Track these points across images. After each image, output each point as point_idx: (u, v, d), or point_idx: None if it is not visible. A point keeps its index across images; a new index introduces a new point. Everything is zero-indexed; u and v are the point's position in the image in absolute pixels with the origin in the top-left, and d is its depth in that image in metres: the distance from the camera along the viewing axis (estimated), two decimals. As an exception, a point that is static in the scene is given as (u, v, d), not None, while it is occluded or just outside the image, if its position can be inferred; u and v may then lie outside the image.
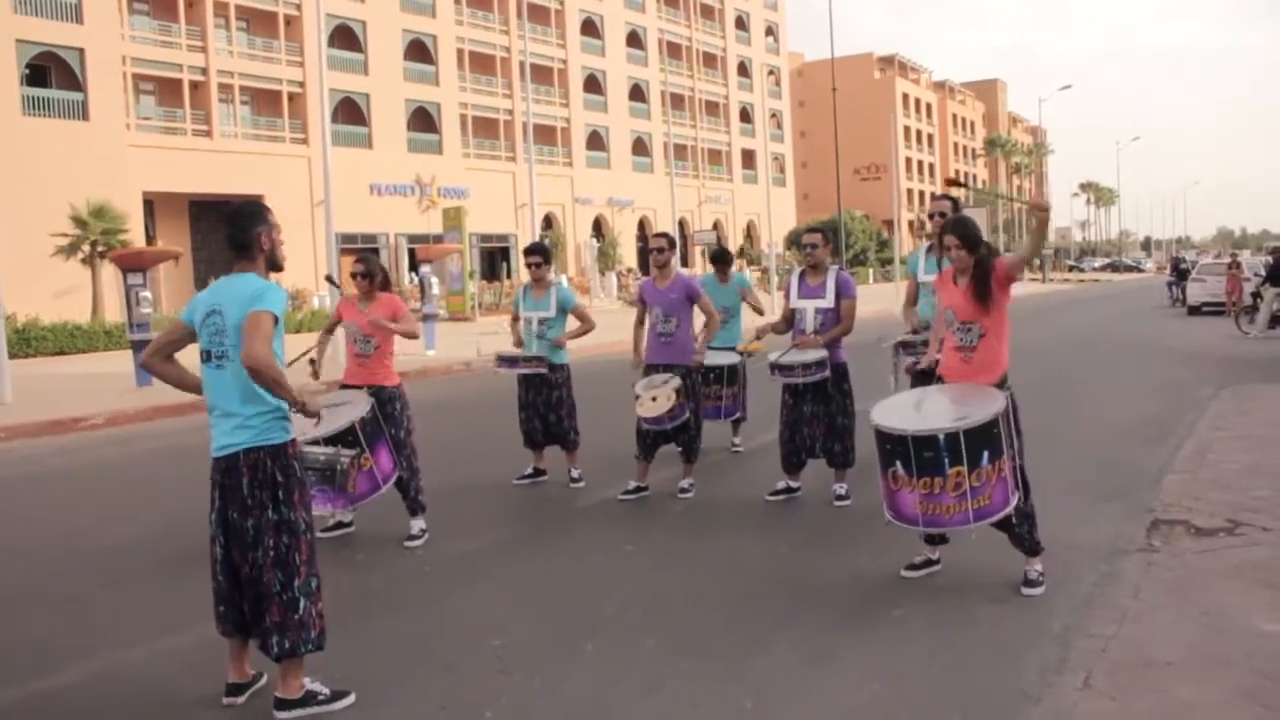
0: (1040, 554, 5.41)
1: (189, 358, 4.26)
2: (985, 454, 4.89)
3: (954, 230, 5.43)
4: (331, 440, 6.10)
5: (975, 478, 4.89)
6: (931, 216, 7.01)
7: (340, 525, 7.07)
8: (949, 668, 4.45)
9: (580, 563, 6.38)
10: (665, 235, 7.96)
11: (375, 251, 46.29)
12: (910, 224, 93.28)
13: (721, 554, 6.40)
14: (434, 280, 24.27)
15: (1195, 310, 29.44)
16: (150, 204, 38.53)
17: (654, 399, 7.42)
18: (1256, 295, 23.82)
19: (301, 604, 4.14)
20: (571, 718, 4.14)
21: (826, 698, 4.22)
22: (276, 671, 4.26)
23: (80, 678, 4.71)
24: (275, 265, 4.26)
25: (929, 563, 5.70)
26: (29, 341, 23.65)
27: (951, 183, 6.08)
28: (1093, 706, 3.98)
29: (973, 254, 5.36)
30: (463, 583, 6.02)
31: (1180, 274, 34.90)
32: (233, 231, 4.20)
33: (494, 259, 51.75)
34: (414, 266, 43.93)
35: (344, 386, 6.96)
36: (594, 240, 53.49)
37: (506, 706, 4.23)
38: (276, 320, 4.00)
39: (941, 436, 4.87)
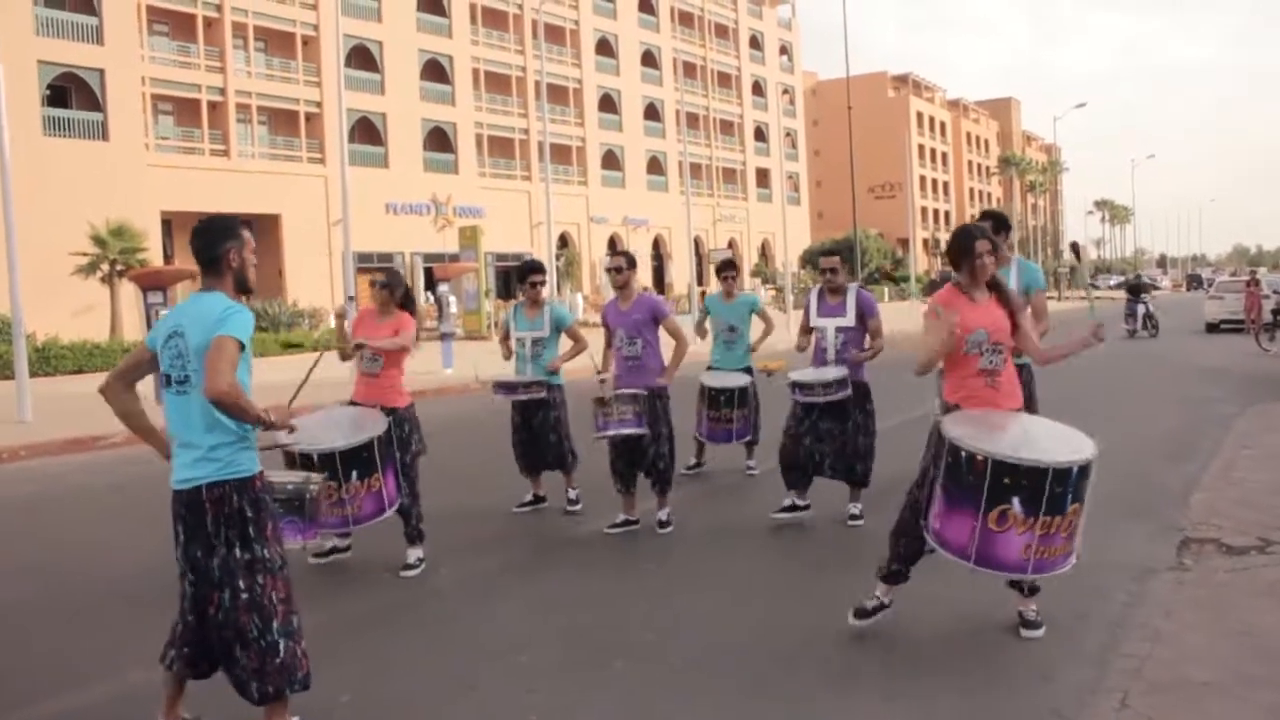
0: (1038, 593, 5.04)
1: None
2: (1085, 490, 4.47)
3: (989, 237, 5.03)
4: (349, 454, 5.99)
5: (1078, 514, 4.46)
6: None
7: (335, 550, 6.85)
8: (981, 689, 4.39)
9: (601, 582, 6.33)
10: (624, 254, 7.61)
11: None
12: (925, 242, 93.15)
13: (743, 574, 6.34)
14: (452, 299, 24.31)
15: (1214, 327, 29.28)
16: (168, 223, 38.73)
17: (602, 381, 7.29)
18: (1277, 313, 23.66)
19: (282, 646, 3.83)
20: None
21: (857, 717, 4.17)
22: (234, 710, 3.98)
23: (101, 697, 4.69)
24: (244, 286, 3.97)
25: (881, 606, 5.07)
26: (48, 360, 23.77)
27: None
28: (1130, 727, 3.93)
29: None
30: (484, 601, 5.98)
31: (1136, 292, 29.40)
32: (199, 246, 3.92)
33: (509, 278, 51.81)
34: (430, 285, 44.03)
35: (351, 404, 6.80)
36: (609, 259, 53.55)
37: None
38: (242, 346, 3.71)
39: (1075, 470, 4.34)
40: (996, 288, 5.02)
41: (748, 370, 9.15)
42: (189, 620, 3.91)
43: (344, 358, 6.86)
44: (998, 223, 6.49)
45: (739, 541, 7.11)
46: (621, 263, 7.46)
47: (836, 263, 7.33)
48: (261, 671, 3.81)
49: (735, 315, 9.21)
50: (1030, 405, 6.35)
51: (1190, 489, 8.04)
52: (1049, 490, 4.29)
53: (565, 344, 8.06)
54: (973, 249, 4.94)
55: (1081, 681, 4.40)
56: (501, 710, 4.36)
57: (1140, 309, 28.63)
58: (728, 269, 9.45)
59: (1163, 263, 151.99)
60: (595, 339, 7.97)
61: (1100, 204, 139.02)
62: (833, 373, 7.06)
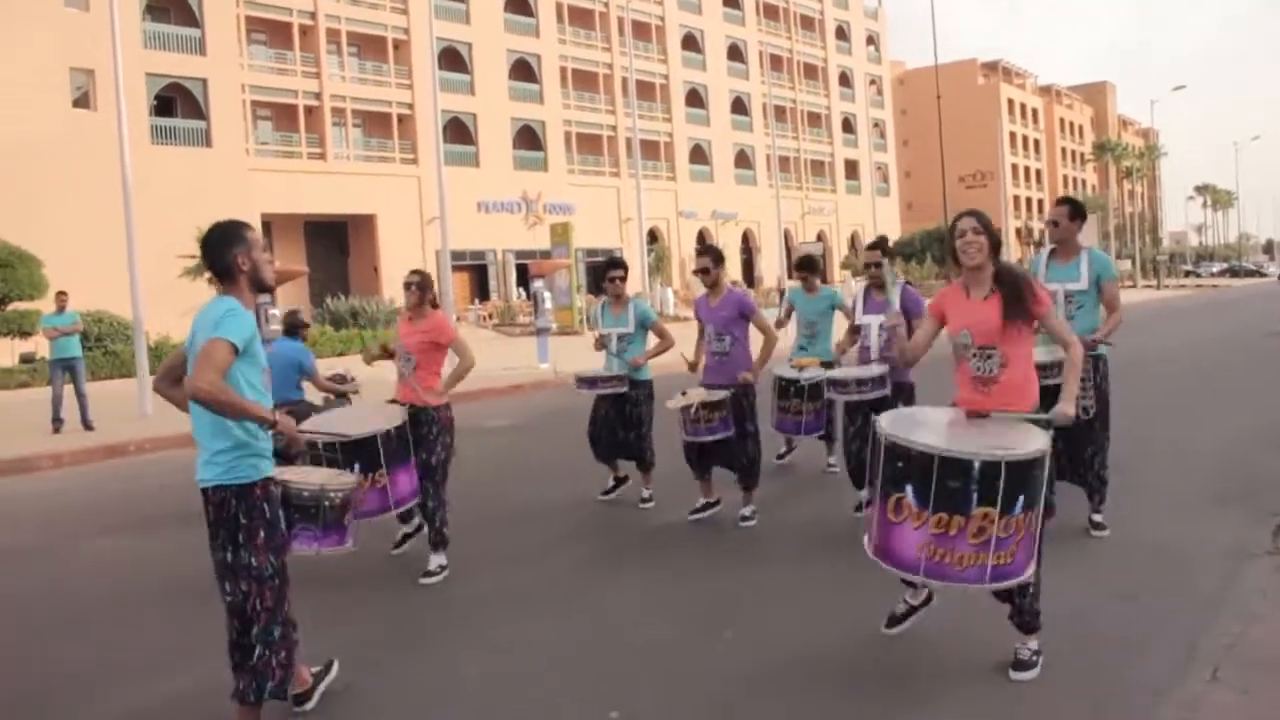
0: (1038, 631, 4.49)
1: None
2: (1021, 499, 3.91)
3: (977, 217, 4.50)
4: (353, 446, 5.95)
5: (1004, 526, 3.90)
6: (1051, 224, 6.58)
7: (406, 537, 7.02)
8: (1076, 662, 4.55)
9: (708, 565, 6.57)
10: (710, 251, 7.55)
11: (484, 268, 47.36)
12: (1018, 231, 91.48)
13: (837, 566, 6.48)
14: (546, 295, 24.76)
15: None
16: (269, 225, 39.95)
17: (683, 393, 7.31)
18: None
19: (256, 651, 3.94)
20: (718, 696, 4.37)
21: (965, 689, 4.38)
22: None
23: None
24: (261, 286, 4.05)
25: (911, 610, 4.86)
26: (161, 358, 24.81)
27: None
28: (1221, 698, 4.08)
29: (995, 253, 4.47)
30: (600, 583, 6.30)
31: None
32: (210, 258, 4.01)
33: (599, 273, 52.35)
34: (522, 282, 44.74)
35: (391, 402, 6.80)
36: (696, 261, 53.63)
37: (651, 693, 4.49)
38: (236, 349, 3.78)
39: (978, 464, 3.87)
40: (1001, 283, 4.44)
41: (829, 366, 8.88)
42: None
43: (367, 361, 7.24)
44: (1075, 209, 6.48)
45: (826, 534, 7.07)
46: (708, 263, 7.45)
47: (878, 256, 7.03)
48: (239, 669, 3.99)
49: (815, 310, 8.97)
50: (1101, 402, 6.35)
51: (1289, 476, 8.01)
52: (937, 481, 3.91)
53: (652, 340, 8.19)
54: (954, 229, 4.48)
55: (1174, 656, 4.53)
56: (620, 681, 4.67)
57: None
58: (804, 267, 9.20)
59: (1269, 248, 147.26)
60: (687, 332, 8.12)
61: (1201, 189, 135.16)
62: (869, 370, 6.96)
